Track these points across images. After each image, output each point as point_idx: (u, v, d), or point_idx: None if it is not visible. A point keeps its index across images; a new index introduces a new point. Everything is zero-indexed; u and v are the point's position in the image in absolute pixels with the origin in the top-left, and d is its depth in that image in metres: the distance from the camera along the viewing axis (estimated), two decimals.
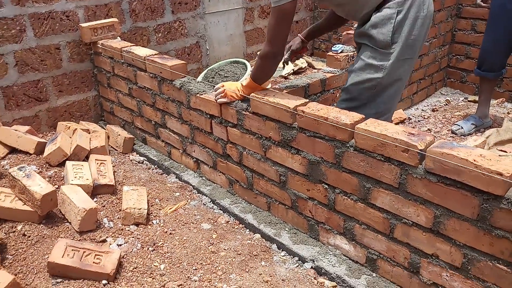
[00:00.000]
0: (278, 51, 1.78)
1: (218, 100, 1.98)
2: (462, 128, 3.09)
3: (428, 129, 3.21)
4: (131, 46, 2.57)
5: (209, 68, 3.32)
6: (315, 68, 3.45)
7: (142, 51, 2.45)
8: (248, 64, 3.21)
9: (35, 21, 2.54)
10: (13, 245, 1.76)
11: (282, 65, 2.33)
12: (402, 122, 3.33)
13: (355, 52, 2.36)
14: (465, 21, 3.75)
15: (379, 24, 1.80)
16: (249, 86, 1.88)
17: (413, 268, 1.52)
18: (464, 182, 1.26)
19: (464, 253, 1.36)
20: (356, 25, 2.00)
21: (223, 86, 1.98)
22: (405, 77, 1.93)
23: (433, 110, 3.56)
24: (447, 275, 1.42)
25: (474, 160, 1.23)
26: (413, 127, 3.14)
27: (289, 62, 2.31)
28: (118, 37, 2.79)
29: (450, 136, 3.08)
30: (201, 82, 2.23)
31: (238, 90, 1.92)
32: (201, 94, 2.12)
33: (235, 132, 2.00)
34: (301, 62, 3.41)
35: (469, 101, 3.69)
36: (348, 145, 1.55)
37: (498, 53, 2.94)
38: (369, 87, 1.86)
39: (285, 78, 3.19)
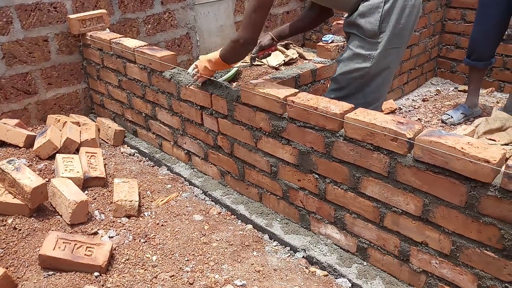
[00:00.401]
0: (251, 38, 1.78)
1: (197, 81, 2.04)
2: (451, 117, 3.11)
3: (419, 119, 3.24)
4: (120, 37, 2.55)
5: None
6: (306, 59, 3.45)
7: (131, 43, 2.43)
8: None
9: (22, 12, 2.51)
10: (4, 239, 1.76)
11: (249, 62, 2.32)
12: (392, 112, 3.34)
13: (345, 42, 2.36)
14: (454, 11, 3.76)
15: (367, 13, 1.81)
16: (217, 63, 1.90)
17: (403, 256, 1.53)
18: (452, 170, 1.28)
19: (452, 241, 1.37)
20: (345, 16, 2.00)
21: (196, 66, 2.01)
22: (394, 66, 1.93)
23: (423, 100, 3.58)
24: (436, 263, 1.44)
25: (462, 148, 1.24)
26: (404, 117, 3.15)
27: (259, 58, 2.29)
28: (107, 29, 2.76)
29: (440, 126, 3.11)
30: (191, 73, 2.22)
31: (207, 67, 1.94)
32: (191, 85, 2.11)
33: (226, 123, 2.00)
34: (292, 53, 3.40)
35: (459, 91, 3.72)
36: (337, 134, 1.56)
37: (487, 42, 2.96)
38: (357, 76, 1.87)
39: (276, 69, 3.19)
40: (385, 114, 1.64)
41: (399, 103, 3.51)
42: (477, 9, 2.99)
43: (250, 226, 1.95)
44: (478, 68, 3.07)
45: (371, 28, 1.81)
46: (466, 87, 3.52)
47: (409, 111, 3.40)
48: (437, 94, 3.70)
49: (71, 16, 2.65)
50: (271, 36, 2.19)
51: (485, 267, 1.32)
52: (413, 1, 1.83)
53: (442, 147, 1.28)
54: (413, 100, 3.62)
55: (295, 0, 4.17)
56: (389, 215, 1.52)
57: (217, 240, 1.86)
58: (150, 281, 1.63)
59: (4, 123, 2.37)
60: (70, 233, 1.82)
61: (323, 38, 2.83)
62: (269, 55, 2.24)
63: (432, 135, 1.32)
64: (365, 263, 1.67)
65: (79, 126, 2.56)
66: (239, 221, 2.00)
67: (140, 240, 1.84)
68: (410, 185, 1.41)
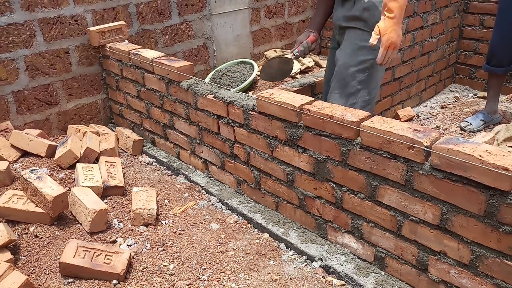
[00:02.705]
0: None
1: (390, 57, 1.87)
2: (471, 124, 3.07)
3: (437, 126, 3.20)
4: (138, 48, 2.60)
5: (216, 69, 3.35)
6: (322, 67, 3.45)
7: (149, 54, 2.48)
8: (254, 64, 3.23)
9: (45, 26, 2.58)
10: (26, 246, 1.80)
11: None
12: (410, 119, 3.31)
13: None
14: (473, 17, 3.72)
15: (371, 7, 1.88)
16: (401, 13, 1.78)
17: (421, 265, 1.51)
18: (470, 178, 1.26)
19: (472, 250, 1.35)
20: (339, 12, 2.04)
21: (389, 44, 1.82)
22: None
23: (441, 107, 3.54)
24: (455, 272, 1.42)
25: (480, 156, 1.23)
26: (422, 125, 3.12)
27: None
28: (126, 40, 2.82)
29: (459, 133, 3.07)
30: (207, 83, 2.25)
31: (396, 29, 1.80)
32: (208, 95, 2.14)
33: (242, 132, 2.02)
34: (308, 61, 3.42)
35: (478, 97, 3.67)
36: (354, 143, 1.56)
37: (508, 48, 2.91)
38: (362, 69, 1.90)
39: (292, 77, 3.20)
40: (402, 121, 1.63)
41: (417, 110, 3.49)
42: (497, 15, 2.96)
43: (266, 235, 1.95)
44: (498, 74, 3.03)
45: (376, 21, 1.84)
46: (485, 94, 3.47)
47: (427, 118, 3.36)
48: (455, 101, 3.66)
49: (91, 29, 2.71)
50: (312, 33, 2.21)
51: (505, 278, 1.30)
52: None
53: (459, 155, 1.26)
54: (431, 107, 3.58)
55: (311, 9, 4.19)
56: (406, 224, 1.51)
57: (233, 248, 1.87)
58: None
59: (27, 133, 2.43)
60: (90, 241, 1.85)
61: None
62: (313, 48, 2.23)
63: (449, 143, 1.31)
64: (382, 273, 1.65)
65: (99, 136, 2.61)
66: (256, 229, 2.00)
67: (157, 249, 1.86)
68: (428, 194, 1.40)
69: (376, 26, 1.84)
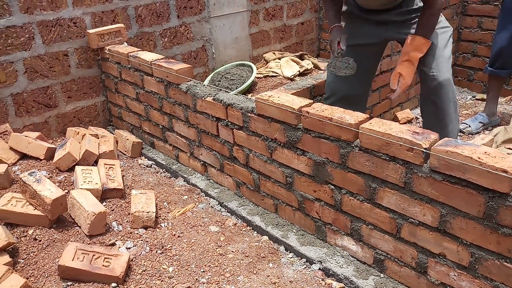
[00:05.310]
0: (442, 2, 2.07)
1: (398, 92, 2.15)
2: (469, 126, 3.07)
3: None
4: (137, 51, 2.60)
5: (215, 71, 3.35)
6: (320, 69, 3.45)
7: (148, 56, 2.48)
8: (253, 66, 3.23)
9: (43, 28, 2.58)
10: (25, 249, 1.79)
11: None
12: (409, 122, 3.32)
13: None
14: (471, 19, 3.73)
15: None
16: (417, 50, 2.08)
17: (420, 268, 1.51)
18: (469, 180, 1.26)
19: (471, 252, 1.35)
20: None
21: (399, 75, 2.13)
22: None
23: None
24: (454, 275, 1.42)
25: (479, 158, 1.23)
26: (420, 127, 3.12)
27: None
28: (125, 43, 2.82)
29: (458, 135, 3.07)
30: (206, 85, 2.25)
31: (411, 68, 2.08)
32: (207, 97, 2.14)
33: (241, 135, 2.02)
34: (307, 64, 3.42)
35: (477, 99, 3.67)
36: (353, 145, 1.56)
37: None
38: (449, 36, 2.21)
39: (291, 79, 3.20)
40: (401, 124, 1.63)
41: (415, 112, 3.49)
42: (500, 16, 2.92)
43: (265, 238, 1.95)
44: (500, 77, 3.01)
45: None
46: (484, 96, 3.48)
47: None
48: None
49: (90, 31, 2.72)
50: (338, 27, 2.27)
51: (505, 280, 1.30)
52: None
53: (458, 157, 1.26)
54: None
55: (309, 11, 4.19)
56: (405, 226, 1.51)
57: (233, 251, 1.87)
58: None
59: (26, 136, 2.43)
60: (89, 244, 1.85)
61: None
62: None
63: (448, 145, 1.31)
64: (382, 275, 1.65)
65: (98, 138, 2.60)
66: (255, 232, 2.00)
67: (157, 251, 1.86)
68: (427, 196, 1.40)
69: (396, 71, 2.11)
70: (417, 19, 2.14)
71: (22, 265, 1.73)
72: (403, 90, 2.13)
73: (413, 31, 2.13)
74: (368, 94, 2.54)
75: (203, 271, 1.75)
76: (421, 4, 2.12)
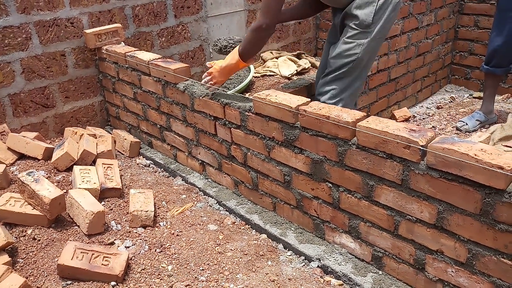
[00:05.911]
0: (271, 23, 1.98)
1: (209, 90, 2.15)
2: (466, 124, 3.09)
3: (433, 127, 3.22)
4: (135, 51, 2.60)
5: None
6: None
7: (145, 56, 2.48)
8: (251, 66, 3.23)
9: (40, 28, 2.58)
10: (24, 249, 1.80)
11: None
12: (406, 120, 3.33)
13: None
14: (467, 17, 3.75)
15: (363, 5, 2.02)
16: (231, 66, 2.10)
17: (418, 264, 1.52)
18: (465, 176, 1.27)
19: (468, 249, 1.36)
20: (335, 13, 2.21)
21: (209, 74, 2.17)
22: (374, 56, 2.21)
23: (437, 108, 3.56)
24: (452, 271, 1.43)
25: (475, 155, 1.24)
26: (418, 125, 3.14)
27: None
28: (122, 42, 2.82)
29: (455, 133, 3.08)
30: (204, 84, 2.26)
31: (222, 72, 2.12)
32: (205, 97, 2.14)
33: (239, 133, 2.02)
34: (304, 63, 3.43)
35: (474, 97, 3.69)
36: (350, 143, 1.56)
37: (509, 48, 2.90)
38: (348, 62, 2.08)
39: (288, 78, 3.21)
40: (399, 122, 1.64)
41: (413, 111, 3.50)
42: (495, 15, 2.94)
43: (264, 236, 1.95)
44: (496, 75, 3.03)
45: (366, 19, 2.01)
46: (481, 94, 3.50)
47: (423, 118, 3.38)
48: (451, 101, 3.68)
49: (87, 31, 2.72)
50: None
51: (502, 275, 1.31)
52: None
53: (455, 154, 1.27)
54: (427, 107, 3.60)
55: None
56: (403, 223, 1.52)
57: (231, 249, 1.87)
58: None
59: (24, 136, 2.42)
60: (88, 243, 1.85)
61: None
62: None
63: (444, 142, 1.32)
64: (380, 272, 1.66)
65: (96, 138, 2.61)
66: (253, 230, 2.01)
67: (155, 250, 1.86)
68: (424, 193, 1.41)
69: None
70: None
71: (21, 264, 1.73)
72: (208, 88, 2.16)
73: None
74: None
75: (202, 270, 1.76)
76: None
